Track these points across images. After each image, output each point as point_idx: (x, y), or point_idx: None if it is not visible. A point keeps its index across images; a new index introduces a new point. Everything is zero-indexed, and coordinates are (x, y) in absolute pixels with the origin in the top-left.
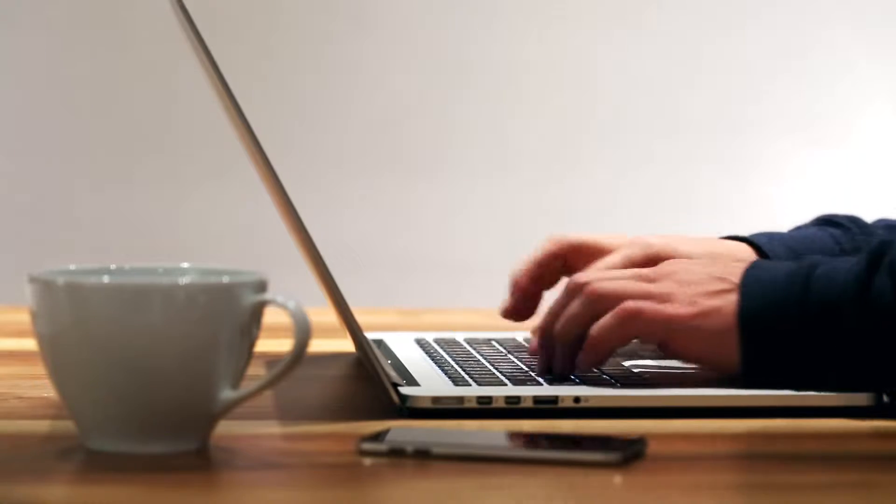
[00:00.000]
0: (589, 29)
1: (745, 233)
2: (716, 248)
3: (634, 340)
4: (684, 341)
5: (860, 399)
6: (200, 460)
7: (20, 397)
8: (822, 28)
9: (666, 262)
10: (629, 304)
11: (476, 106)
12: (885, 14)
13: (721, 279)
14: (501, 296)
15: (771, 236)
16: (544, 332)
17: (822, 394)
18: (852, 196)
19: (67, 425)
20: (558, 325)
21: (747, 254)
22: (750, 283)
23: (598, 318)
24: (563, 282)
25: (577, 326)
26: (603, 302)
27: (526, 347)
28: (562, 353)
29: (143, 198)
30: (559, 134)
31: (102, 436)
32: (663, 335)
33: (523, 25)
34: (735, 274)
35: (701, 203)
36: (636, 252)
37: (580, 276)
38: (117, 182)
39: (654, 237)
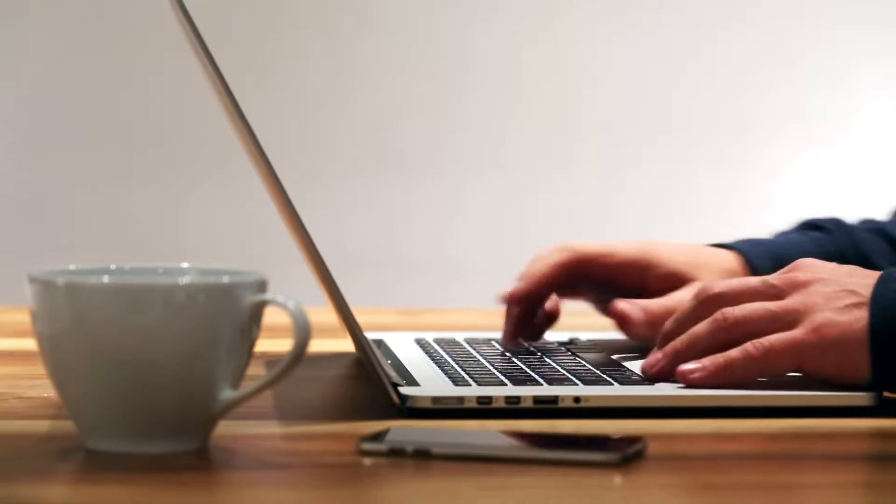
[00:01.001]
0: (588, 29)
1: (746, 233)
2: (699, 257)
3: None
4: (816, 363)
5: (860, 399)
6: (200, 460)
7: (20, 397)
8: (822, 28)
9: (800, 268)
10: (755, 346)
11: (476, 106)
12: (884, 14)
13: (853, 293)
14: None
15: (754, 243)
16: (666, 337)
17: (823, 394)
18: (851, 196)
19: (67, 425)
20: (680, 343)
21: (731, 262)
22: (881, 299)
23: (724, 344)
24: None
25: (702, 347)
26: (734, 330)
27: (524, 346)
28: (668, 364)
29: (143, 198)
30: (559, 134)
31: (102, 436)
32: (794, 363)
33: (522, 26)
34: (866, 287)
35: (700, 203)
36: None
37: (714, 288)
38: (117, 182)
39: (644, 245)
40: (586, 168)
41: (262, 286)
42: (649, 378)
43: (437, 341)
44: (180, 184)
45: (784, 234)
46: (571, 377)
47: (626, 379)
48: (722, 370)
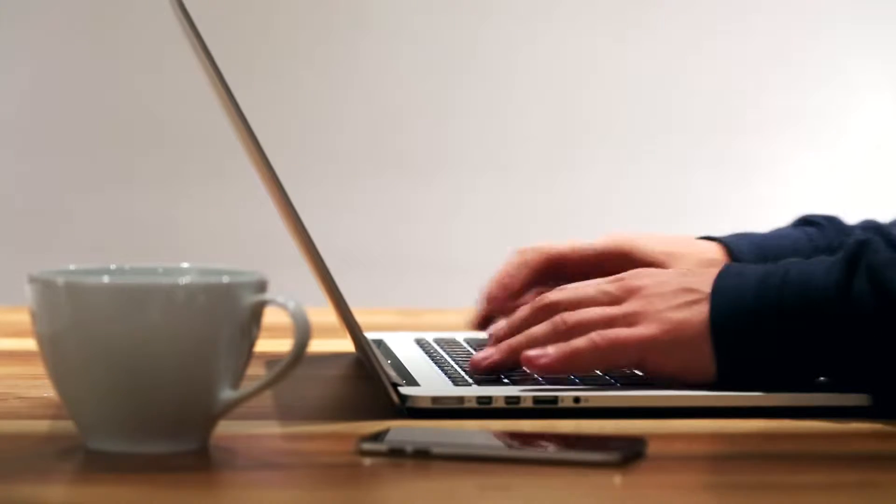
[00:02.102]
0: (588, 29)
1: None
2: (678, 246)
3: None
4: (661, 358)
5: (860, 399)
6: (200, 460)
7: (20, 397)
8: (821, 28)
9: (633, 276)
10: (601, 337)
11: (476, 106)
12: (882, 14)
13: (689, 290)
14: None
15: (741, 236)
16: (499, 339)
17: (822, 394)
18: (851, 196)
19: (67, 425)
20: (516, 341)
21: (712, 253)
22: (720, 292)
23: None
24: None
25: (538, 347)
26: (572, 331)
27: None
28: (502, 360)
29: (143, 198)
30: (558, 134)
31: (102, 436)
32: (639, 357)
33: (522, 26)
34: (705, 283)
35: (699, 203)
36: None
37: (550, 296)
38: (117, 182)
39: (623, 235)
40: (586, 168)
41: (262, 286)
42: (477, 372)
43: (437, 341)
44: (180, 184)
45: (778, 230)
46: (571, 377)
47: (626, 379)
48: (567, 356)
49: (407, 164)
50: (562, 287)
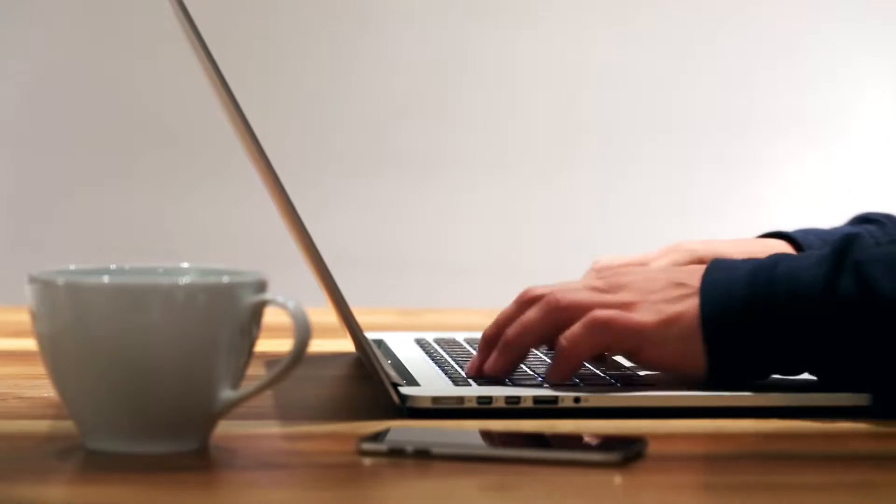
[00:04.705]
0: (588, 29)
1: (746, 234)
2: (754, 248)
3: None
4: (654, 350)
5: (860, 399)
6: (200, 460)
7: (20, 397)
8: (822, 27)
9: (618, 273)
10: (599, 314)
11: (475, 106)
12: (883, 13)
13: (680, 284)
14: (501, 296)
15: (808, 232)
16: (489, 340)
17: (822, 394)
18: (851, 196)
19: (67, 425)
20: (511, 332)
21: (787, 250)
22: (709, 286)
23: (557, 328)
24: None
25: (533, 335)
26: (565, 312)
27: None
28: (501, 356)
29: (143, 198)
30: (558, 134)
31: (102, 436)
32: (634, 344)
33: (521, 26)
34: (695, 277)
35: (700, 203)
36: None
37: (534, 289)
38: (117, 182)
39: (694, 242)
40: (586, 168)
41: (262, 286)
42: (486, 375)
43: (437, 341)
44: (180, 184)
45: (838, 227)
46: (574, 380)
47: (626, 379)
48: (569, 349)
49: (407, 164)
50: (548, 284)
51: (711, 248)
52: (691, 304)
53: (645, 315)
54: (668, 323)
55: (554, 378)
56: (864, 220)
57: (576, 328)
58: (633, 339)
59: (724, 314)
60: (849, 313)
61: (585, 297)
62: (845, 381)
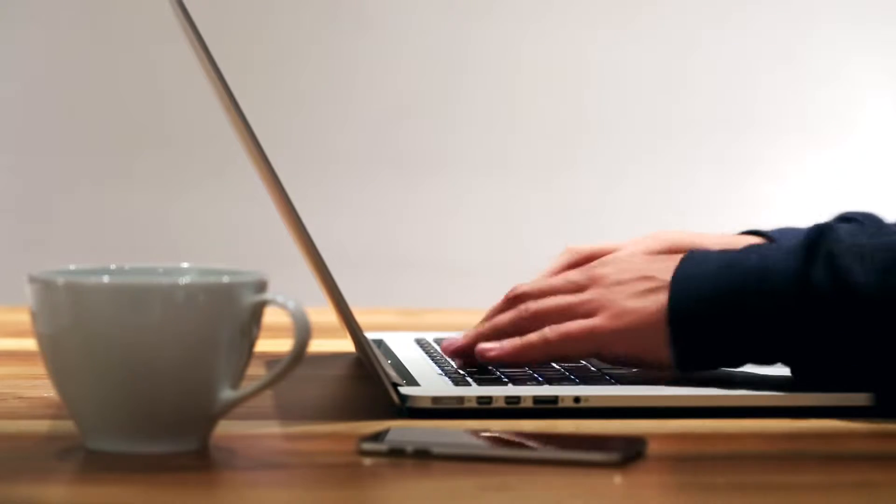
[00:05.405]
0: (588, 29)
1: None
2: (731, 245)
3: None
4: (612, 347)
5: (860, 399)
6: (200, 460)
7: (20, 397)
8: (822, 27)
9: (601, 263)
10: (552, 330)
11: (476, 106)
12: (885, 13)
13: (649, 278)
14: (501, 296)
15: (784, 231)
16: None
17: (822, 394)
18: (852, 196)
19: (67, 425)
20: (484, 328)
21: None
22: (680, 281)
23: (528, 331)
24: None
25: (501, 335)
26: (534, 320)
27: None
28: (467, 343)
29: (143, 198)
30: (558, 134)
31: (102, 436)
32: (592, 347)
33: (522, 25)
34: (667, 270)
35: (700, 203)
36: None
37: (520, 287)
38: (117, 182)
39: (672, 232)
40: (586, 168)
41: (262, 286)
42: (447, 355)
43: (437, 341)
44: (180, 184)
45: None
46: (571, 377)
47: (626, 379)
48: (518, 350)
49: (407, 164)
50: (533, 281)
51: (688, 238)
52: (656, 299)
53: (602, 317)
54: (627, 319)
55: (498, 352)
56: (844, 219)
57: (533, 342)
58: (589, 343)
59: (692, 308)
60: (821, 303)
61: (551, 305)
62: (818, 372)
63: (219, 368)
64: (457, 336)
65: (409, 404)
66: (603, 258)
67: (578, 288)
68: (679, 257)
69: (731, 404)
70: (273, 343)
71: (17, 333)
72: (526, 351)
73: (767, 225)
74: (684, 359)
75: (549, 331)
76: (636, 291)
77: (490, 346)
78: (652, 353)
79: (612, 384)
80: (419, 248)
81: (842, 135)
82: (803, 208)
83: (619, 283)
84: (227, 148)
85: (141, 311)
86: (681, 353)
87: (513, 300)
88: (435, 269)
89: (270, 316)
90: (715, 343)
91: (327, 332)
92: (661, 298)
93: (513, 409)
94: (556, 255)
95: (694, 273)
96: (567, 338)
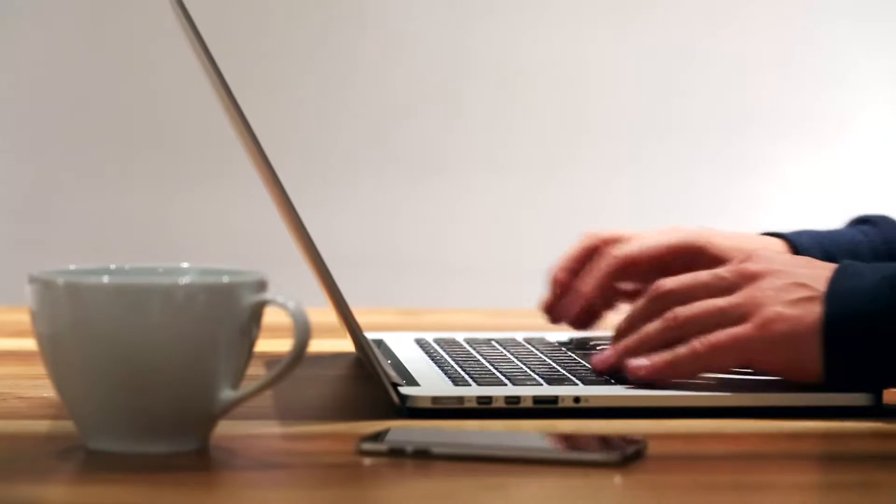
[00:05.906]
0: (588, 29)
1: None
2: (749, 243)
3: None
4: (764, 357)
5: (860, 399)
6: (200, 460)
7: (20, 397)
8: (822, 27)
9: (752, 259)
10: (702, 343)
11: (476, 106)
12: (884, 13)
13: (804, 286)
14: (501, 296)
15: (802, 233)
16: (619, 336)
17: (822, 394)
18: (852, 196)
19: (67, 425)
20: (631, 342)
21: (779, 248)
22: (835, 294)
23: (676, 340)
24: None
25: (650, 346)
26: (683, 329)
27: (524, 346)
28: (619, 361)
29: (143, 198)
30: (558, 134)
31: (102, 436)
32: (743, 359)
33: (521, 26)
34: (819, 279)
35: (700, 203)
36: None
37: (665, 284)
38: (117, 182)
39: (691, 231)
40: (586, 168)
41: (262, 286)
42: (598, 373)
43: (437, 341)
44: (180, 184)
45: (834, 228)
46: (571, 377)
47: (626, 379)
48: (668, 366)
49: (407, 164)
50: (679, 277)
51: (706, 234)
52: (812, 310)
53: (755, 324)
54: (783, 327)
55: (648, 371)
56: (860, 221)
57: (683, 355)
58: (740, 354)
59: (849, 323)
60: None
61: (702, 311)
62: None
63: (219, 368)
64: (603, 350)
65: (409, 404)
66: (755, 254)
67: (730, 286)
68: (829, 266)
69: (731, 404)
70: (273, 343)
71: (17, 333)
72: (676, 368)
73: (767, 225)
74: (835, 374)
75: (699, 344)
76: (791, 299)
77: (639, 365)
78: (801, 365)
79: (612, 384)
80: (419, 248)
81: (842, 135)
82: (803, 208)
83: (772, 287)
84: (226, 148)
85: (141, 311)
86: (833, 367)
87: (657, 299)
88: (435, 269)
89: (270, 316)
90: (868, 360)
91: (327, 332)
92: (816, 309)
93: (513, 409)
94: (571, 243)
95: (850, 287)
96: (716, 349)
